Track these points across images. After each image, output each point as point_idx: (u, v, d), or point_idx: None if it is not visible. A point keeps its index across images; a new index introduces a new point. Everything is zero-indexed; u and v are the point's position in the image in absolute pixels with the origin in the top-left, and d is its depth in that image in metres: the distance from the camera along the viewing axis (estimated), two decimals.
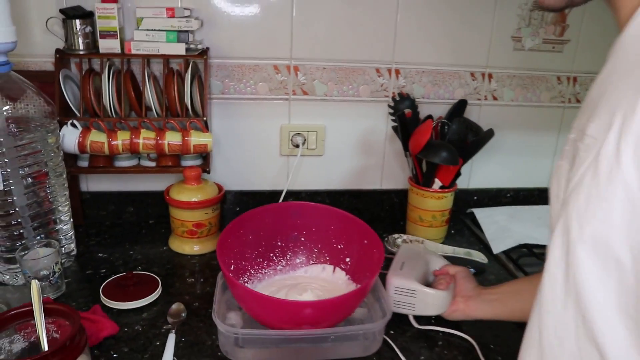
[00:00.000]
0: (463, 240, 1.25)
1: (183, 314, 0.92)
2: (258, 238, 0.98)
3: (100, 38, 1.10)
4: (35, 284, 0.74)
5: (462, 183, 1.32)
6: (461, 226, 1.32)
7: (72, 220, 1.08)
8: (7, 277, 0.99)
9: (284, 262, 1.01)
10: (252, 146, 1.27)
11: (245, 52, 1.21)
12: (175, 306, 0.94)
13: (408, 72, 1.27)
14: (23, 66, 1.12)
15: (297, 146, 1.28)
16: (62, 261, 1.01)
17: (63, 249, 1.06)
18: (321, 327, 0.79)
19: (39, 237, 1.00)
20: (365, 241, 0.93)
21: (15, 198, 0.96)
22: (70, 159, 1.13)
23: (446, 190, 1.18)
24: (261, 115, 1.26)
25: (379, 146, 1.32)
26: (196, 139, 1.12)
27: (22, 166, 0.96)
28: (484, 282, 0.96)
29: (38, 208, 1.01)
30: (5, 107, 0.93)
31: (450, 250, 1.16)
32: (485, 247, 1.21)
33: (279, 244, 1.00)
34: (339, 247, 0.98)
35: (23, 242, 0.98)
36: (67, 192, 1.06)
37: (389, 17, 1.22)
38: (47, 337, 0.73)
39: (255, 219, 0.96)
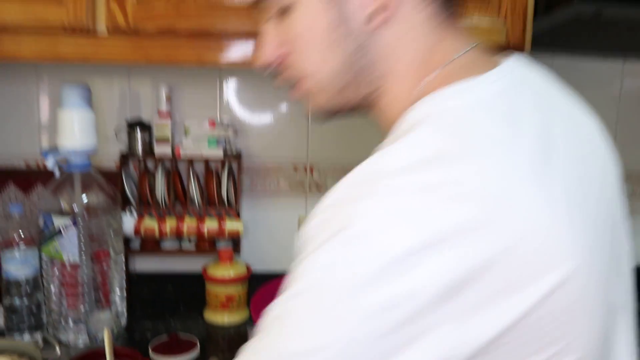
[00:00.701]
0: None
1: None
2: None
3: (156, 144, 1.37)
4: (107, 330, 0.94)
5: None
6: None
7: (125, 294, 1.28)
8: (72, 336, 1.17)
9: None
10: (275, 233, 1.50)
11: (269, 155, 1.47)
12: (212, 359, 1.11)
13: None
14: (95, 165, 1.38)
15: None
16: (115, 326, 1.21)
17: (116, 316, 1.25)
18: None
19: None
20: None
21: (85, 270, 1.18)
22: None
23: None
24: (282, 208, 1.50)
25: None
26: (230, 225, 1.35)
27: (90, 244, 1.19)
28: None
29: (99, 280, 1.21)
30: (84, 198, 1.18)
31: None
32: None
33: None
34: None
35: (86, 307, 1.18)
36: (123, 269, 1.27)
37: None
38: None
39: (278, 287, 1.16)
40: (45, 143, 1.43)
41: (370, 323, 0.40)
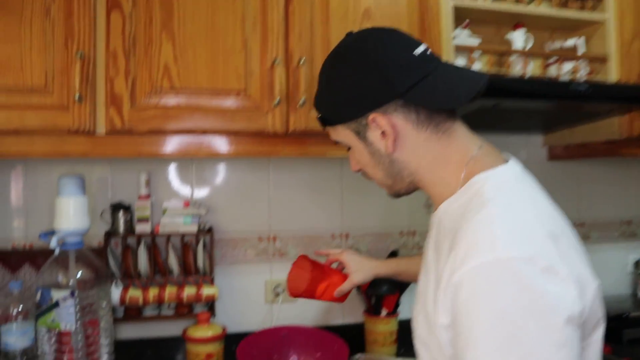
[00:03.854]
0: (410, 355, 1.63)
1: None
2: (260, 352, 1.35)
3: (137, 223, 1.56)
4: None
5: (406, 313, 1.74)
6: (409, 347, 1.69)
7: (114, 357, 1.42)
8: None
9: None
10: (244, 296, 1.69)
11: (237, 228, 1.69)
12: None
13: (355, 234, 1.77)
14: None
15: (278, 295, 1.70)
16: None
17: None
18: None
19: None
20: (335, 346, 1.32)
21: (79, 337, 1.32)
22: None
23: (391, 316, 1.60)
24: (250, 273, 1.70)
25: None
26: (206, 291, 1.53)
27: (83, 315, 1.34)
28: None
29: (90, 347, 1.36)
30: (78, 272, 1.34)
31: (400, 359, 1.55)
32: None
33: (275, 357, 1.38)
34: (317, 355, 1.37)
35: None
36: (111, 336, 1.42)
37: (337, 196, 1.75)
38: None
39: (259, 339, 1.35)
40: (31, 226, 1.58)
41: None
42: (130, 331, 1.61)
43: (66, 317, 1.30)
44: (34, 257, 1.55)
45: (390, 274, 1.30)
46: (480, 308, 0.64)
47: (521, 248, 0.66)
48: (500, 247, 0.66)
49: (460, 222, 0.74)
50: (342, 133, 0.89)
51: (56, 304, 1.30)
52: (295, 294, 1.23)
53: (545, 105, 1.51)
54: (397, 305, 1.63)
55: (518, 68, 1.67)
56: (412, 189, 0.89)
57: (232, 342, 1.61)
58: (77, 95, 1.19)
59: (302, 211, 1.73)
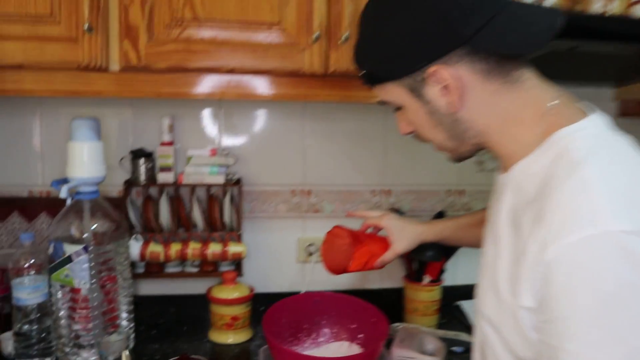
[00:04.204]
0: (452, 326, 1.49)
1: None
2: (289, 321, 1.23)
3: (160, 172, 1.43)
4: (126, 353, 0.98)
5: (449, 280, 1.59)
6: (451, 317, 1.56)
7: (133, 316, 1.32)
8: None
9: (309, 341, 1.25)
10: (275, 255, 1.56)
11: (268, 181, 1.54)
12: None
13: (397, 191, 1.60)
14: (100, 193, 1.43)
15: (311, 254, 1.57)
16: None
17: None
18: None
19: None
20: (373, 319, 1.18)
21: (95, 295, 1.22)
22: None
23: (434, 284, 1.45)
24: (281, 230, 1.56)
25: None
26: (233, 248, 1.41)
27: (99, 270, 1.23)
28: None
29: (107, 305, 1.25)
30: (93, 225, 1.22)
31: (442, 333, 1.40)
32: (471, 331, 1.45)
33: (305, 326, 1.25)
34: (353, 326, 1.23)
35: (96, 331, 1.22)
36: (130, 293, 1.31)
37: (379, 148, 1.57)
38: None
39: (287, 306, 1.22)
40: (48, 173, 1.47)
41: None
42: (152, 288, 1.51)
43: (80, 272, 1.20)
44: (52, 205, 1.45)
45: (436, 239, 1.19)
46: (583, 291, 0.56)
47: (630, 219, 0.56)
48: (605, 218, 0.56)
49: (547, 187, 0.64)
50: (392, 91, 0.78)
51: (69, 259, 1.19)
52: (337, 271, 1.10)
53: (629, 51, 1.29)
54: (441, 272, 1.47)
55: (598, 6, 1.43)
56: (477, 150, 0.79)
57: (260, 303, 1.49)
58: (86, 25, 1.03)
59: (340, 164, 1.56)
